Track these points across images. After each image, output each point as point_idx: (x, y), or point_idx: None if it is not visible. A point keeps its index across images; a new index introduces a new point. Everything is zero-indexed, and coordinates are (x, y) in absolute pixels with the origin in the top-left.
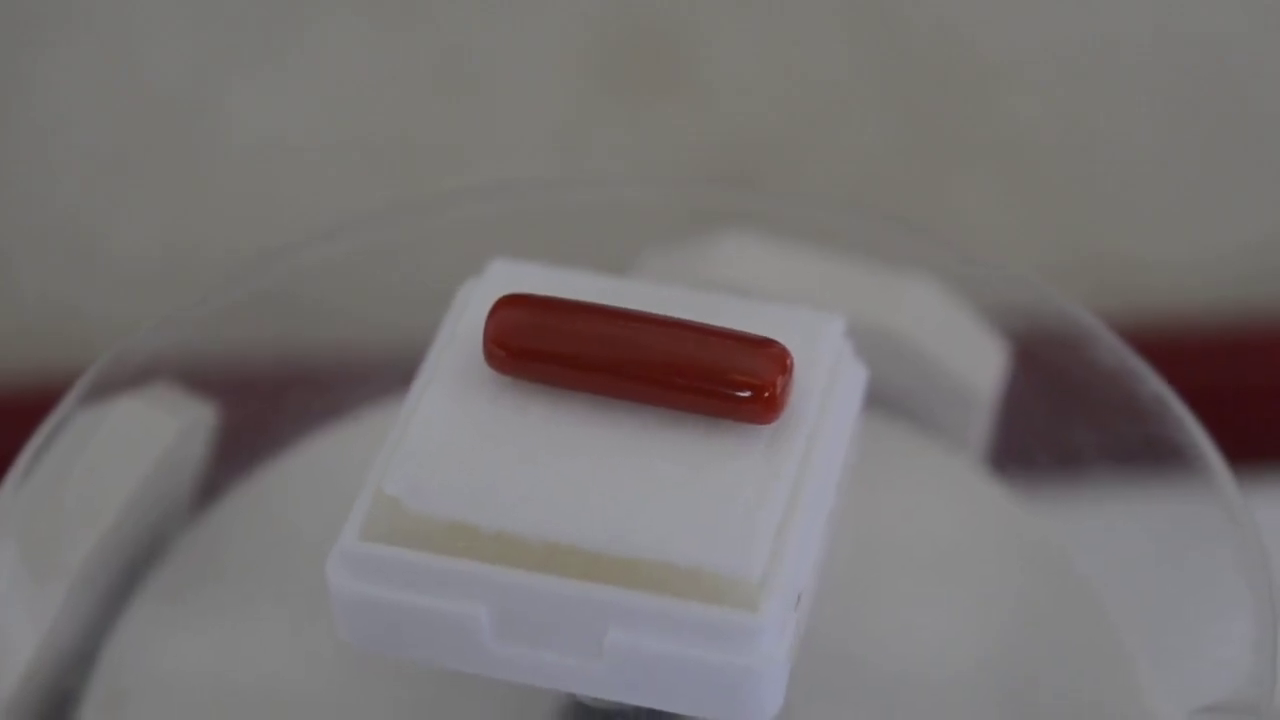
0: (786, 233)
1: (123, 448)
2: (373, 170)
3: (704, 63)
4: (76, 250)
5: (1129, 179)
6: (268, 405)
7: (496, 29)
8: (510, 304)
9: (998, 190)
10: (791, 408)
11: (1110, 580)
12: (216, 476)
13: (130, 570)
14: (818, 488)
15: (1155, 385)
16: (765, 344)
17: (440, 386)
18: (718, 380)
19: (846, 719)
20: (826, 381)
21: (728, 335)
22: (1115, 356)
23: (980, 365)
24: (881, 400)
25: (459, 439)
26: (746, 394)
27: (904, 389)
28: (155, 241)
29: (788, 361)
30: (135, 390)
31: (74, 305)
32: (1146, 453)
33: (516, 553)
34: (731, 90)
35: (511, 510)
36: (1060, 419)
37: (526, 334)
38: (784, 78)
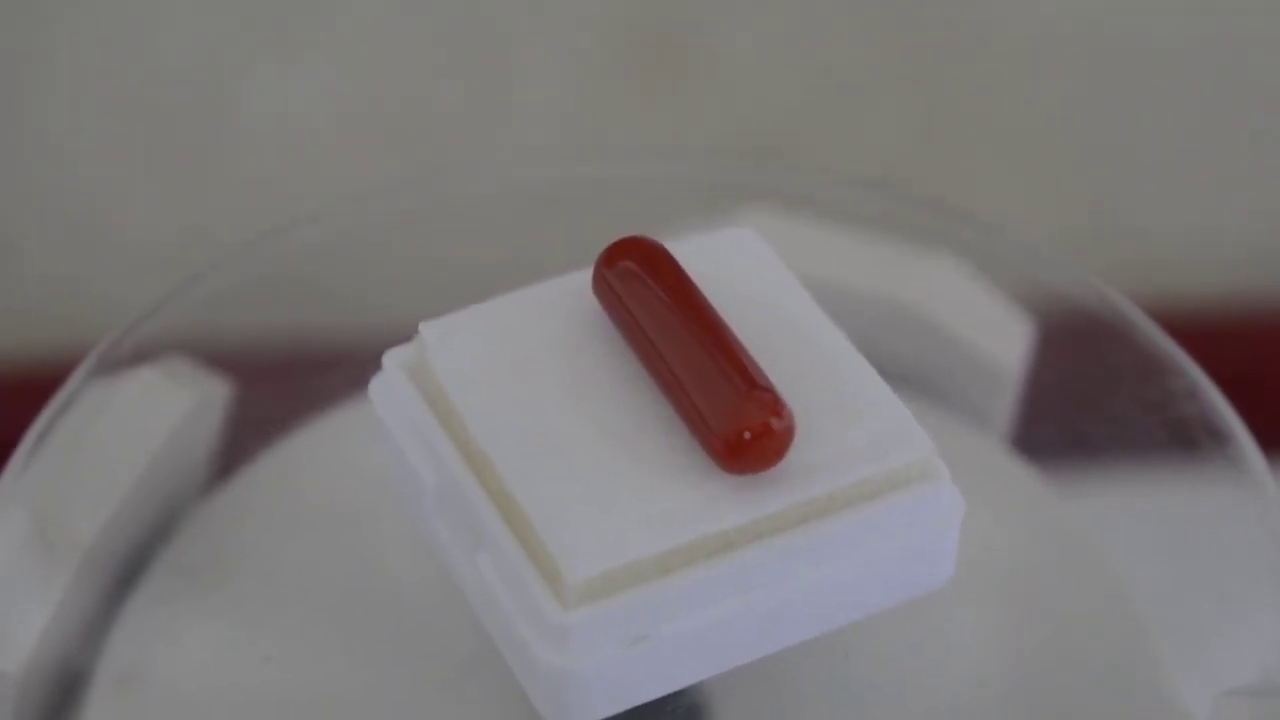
0: (810, 209)
1: (135, 422)
2: (388, 151)
3: (722, 43)
4: (88, 233)
5: (1154, 158)
6: (282, 381)
7: (514, 8)
8: (640, 246)
9: (1018, 169)
10: (783, 479)
11: (1135, 561)
12: (230, 453)
13: (141, 547)
14: (767, 571)
15: (1185, 365)
16: (766, 401)
17: (550, 286)
18: (692, 406)
19: (865, 698)
20: (865, 484)
21: (748, 376)
22: (1144, 337)
23: (1005, 344)
24: (905, 378)
25: (510, 333)
26: (711, 433)
27: (928, 366)
28: (168, 224)
29: (767, 424)
30: (148, 364)
31: (85, 288)
32: (1173, 433)
33: (464, 445)
34: (749, 70)
35: (481, 413)
36: (1087, 399)
37: (624, 276)
38: (801, 56)
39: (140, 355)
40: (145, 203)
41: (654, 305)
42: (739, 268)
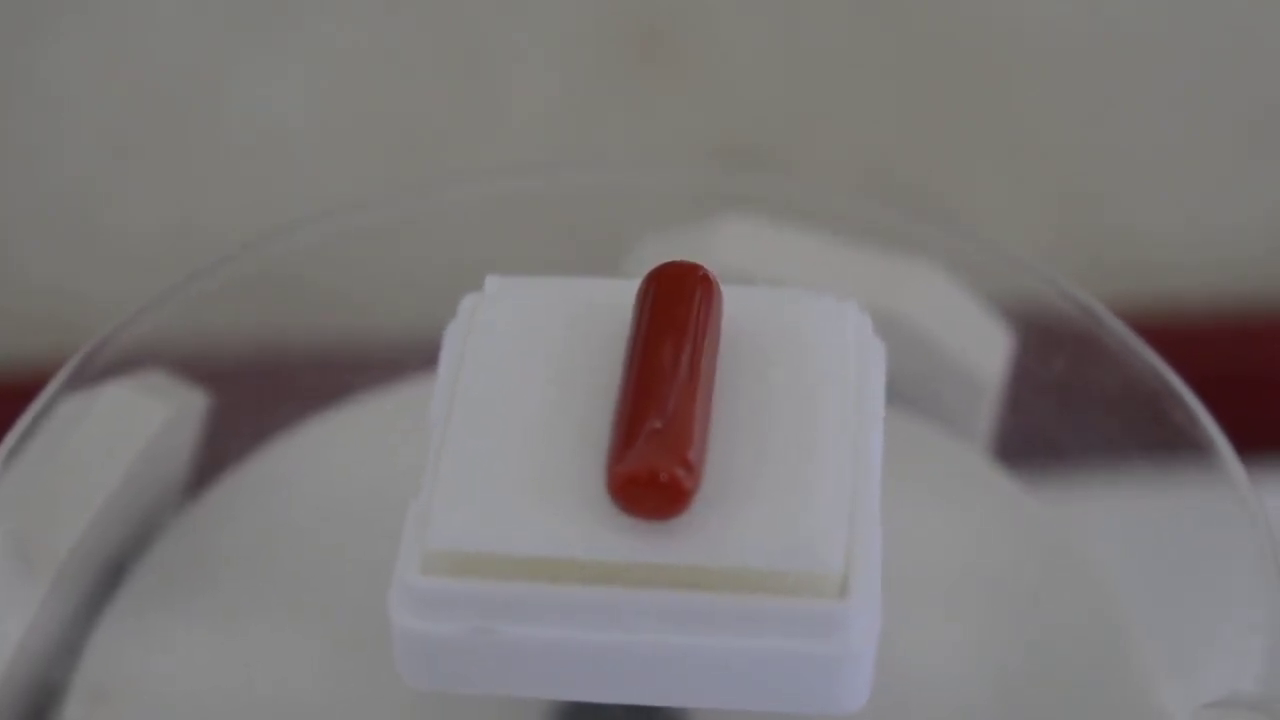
0: (789, 217)
1: (110, 435)
2: (375, 153)
3: (710, 44)
4: (79, 234)
5: (1140, 164)
6: (259, 392)
7: (499, 10)
8: (681, 272)
9: (1008, 168)
10: (679, 539)
11: (1117, 571)
12: (207, 465)
13: (117, 561)
14: (619, 617)
15: (1164, 372)
16: (664, 446)
17: (616, 284)
18: (617, 436)
19: None
20: (756, 576)
21: (664, 418)
22: (1123, 344)
23: (986, 352)
24: (885, 387)
25: (551, 313)
26: (610, 466)
27: (908, 376)
28: (158, 225)
29: (669, 472)
30: (123, 376)
31: (76, 289)
32: (1154, 442)
33: (454, 395)
34: (737, 71)
35: (476, 372)
36: (1067, 407)
37: (656, 297)
38: (790, 57)
39: (117, 366)
40: (132, 204)
41: (660, 333)
42: (811, 332)
